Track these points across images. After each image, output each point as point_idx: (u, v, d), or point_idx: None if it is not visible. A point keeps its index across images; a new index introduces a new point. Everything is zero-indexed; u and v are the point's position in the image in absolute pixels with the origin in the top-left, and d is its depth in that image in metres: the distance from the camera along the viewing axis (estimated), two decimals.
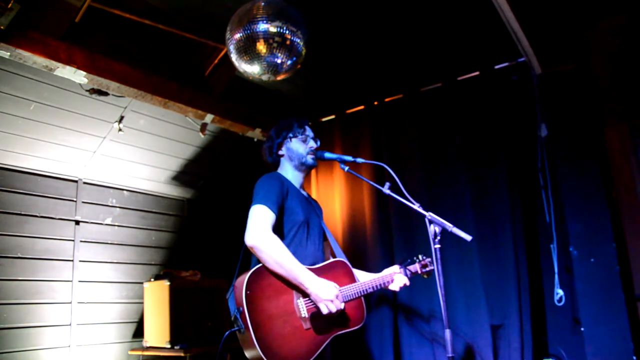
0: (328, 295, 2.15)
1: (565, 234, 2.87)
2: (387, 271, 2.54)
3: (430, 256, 2.54)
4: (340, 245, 3.74)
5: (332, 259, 2.44)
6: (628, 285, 2.69)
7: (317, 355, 2.13)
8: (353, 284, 2.34)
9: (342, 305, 2.20)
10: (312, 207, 2.54)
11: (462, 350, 3.13)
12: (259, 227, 2.14)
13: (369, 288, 2.38)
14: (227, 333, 2.09)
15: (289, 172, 2.50)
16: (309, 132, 2.53)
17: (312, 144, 2.50)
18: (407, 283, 2.53)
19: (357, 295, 2.32)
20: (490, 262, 3.14)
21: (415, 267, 2.59)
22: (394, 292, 3.44)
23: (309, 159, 2.47)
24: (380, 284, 2.44)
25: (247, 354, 2.09)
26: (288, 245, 2.23)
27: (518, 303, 2.97)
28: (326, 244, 2.62)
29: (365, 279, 2.43)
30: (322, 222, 2.58)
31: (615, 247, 2.69)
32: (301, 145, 2.48)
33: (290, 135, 2.49)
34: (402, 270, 2.54)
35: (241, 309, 2.04)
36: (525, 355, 2.92)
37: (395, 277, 2.50)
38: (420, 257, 2.61)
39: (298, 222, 2.33)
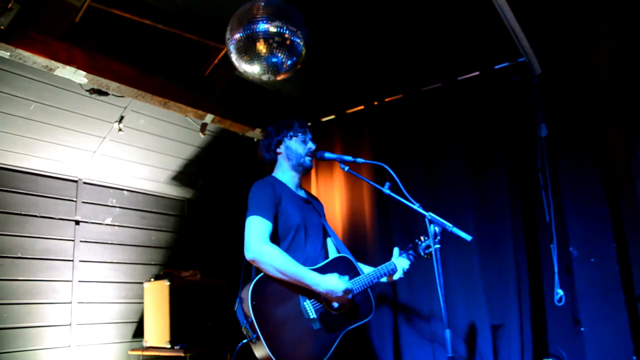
0: (338, 290, 2.18)
1: (565, 234, 2.87)
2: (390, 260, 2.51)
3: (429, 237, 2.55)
4: None
5: (333, 256, 2.44)
6: (628, 285, 2.69)
7: (331, 353, 2.16)
8: (357, 277, 2.34)
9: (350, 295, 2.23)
10: (311, 207, 2.53)
11: (462, 350, 3.13)
12: (256, 239, 2.17)
13: (374, 278, 2.37)
14: (239, 345, 2.10)
15: (285, 172, 2.50)
16: (308, 133, 2.54)
17: (311, 145, 2.50)
18: (406, 268, 2.47)
19: (362, 288, 2.32)
20: (490, 262, 3.14)
21: (418, 251, 2.53)
22: (394, 291, 3.47)
23: (307, 160, 2.48)
24: (384, 273, 2.41)
25: None
26: (286, 250, 2.24)
27: (518, 303, 2.97)
28: (328, 242, 2.61)
29: (369, 271, 2.43)
30: (324, 219, 2.57)
31: (615, 247, 2.69)
32: (300, 145, 2.48)
33: (291, 134, 2.48)
34: (403, 254, 2.52)
35: (250, 319, 2.06)
36: (525, 355, 2.91)
37: (397, 263, 2.46)
38: (422, 237, 2.55)
39: (294, 225, 2.33)
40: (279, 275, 2.15)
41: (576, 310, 2.82)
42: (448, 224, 2.09)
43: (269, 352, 2.01)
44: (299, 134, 2.49)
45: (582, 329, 2.72)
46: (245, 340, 2.09)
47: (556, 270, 2.92)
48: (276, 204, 2.31)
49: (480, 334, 3.07)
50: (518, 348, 2.93)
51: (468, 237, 2.06)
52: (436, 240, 2.08)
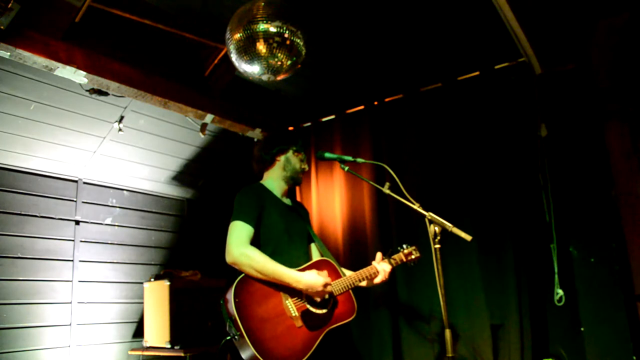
0: (317, 285, 2.25)
1: (565, 234, 2.87)
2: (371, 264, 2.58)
3: (415, 245, 2.66)
4: (340, 246, 3.77)
5: (315, 259, 2.53)
6: (628, 285, 2.69)
7: (313, 350, 2.20)
8: (339, 279, 2.43)
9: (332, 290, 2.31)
10: (296, 213, 2.62)
11: (462, 350, 3.12)
12: (235, 243, 2.25)
13: (355, 281, 2.45)
14: (223, 342, 2.15)
15: (275, 179, 2.60)
16: (306, 154, 2.70)
17: (305, 166, 2.66)
18: (387, 272, 2.52)
19: (344, 290, 2.41)
20: (490, 262, 3.13)
21: (400, 256, 2.63)
22: (394, 291, 3.47)
23: (300, 178, 2.65)
24: (365, 276, 2.49)
25: (246, 358, 2.13)
26: (270, 255, 2.29)
27: (518, 303, 2.97)
28: (311, 247, 2.69)
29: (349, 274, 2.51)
30: (309, 225, 2.65)
31: (615, 247, 2.70)
32: (298, 162, 2.62)
33: (295, 149, 2.62)
34: (385, 259, 2.58)
35: (233, 317, 2.11)
36: (525, 355, 2.91)
37: (379, 267, 2.53)
38: (404, 245, 2.67)
39: (278, 231, 2.42)
40: (259, 276, 2.22)
41: (576, 310, 2.82)
42: (448, 224, 2.09)
43: (252, 349, 2.05)
44: (301, 153, 2.64)
45: (582, 329, 2.72)
46: (228, 337, 2.14)
47: (556, 270, 2.92)
48: (259, 210, 2.39)
49: (480, 334, 3.07)
50: (518, 348, 2.92)
51: (468, 237, 2.06)
52: (436, 240, 2.09)
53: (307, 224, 2.67)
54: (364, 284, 2.51)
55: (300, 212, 2.68)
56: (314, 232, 2.66)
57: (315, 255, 2.67)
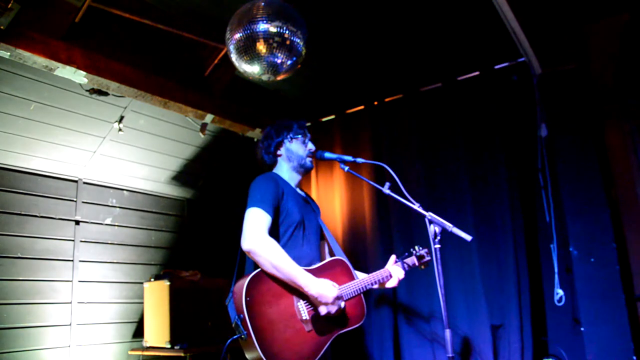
0: (327, 297, 2.15)
1: (565, 234, 2.87)
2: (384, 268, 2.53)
3: (427, 247, 2.57)
4: (340, 246, 3.76)
5: (330, 258, 2.43)
6: (628, 285, 2.69)
7: (320, 356, 2.13)
8: (352, 282, 2.33)
9: (342, 304, 2.20)
10: (310, 207, 2.52)
11: (462, 350, 3.13)
12: (255, 231, 2.13)
13: (368, 284, 2.37)
14: (229, 341, 2.08)
15: (285, 172, 2.47)
16: (307, 134, 2.52)
17: (310, 146, 2.49)
18: (401, 277, 2.48)
19: (356, 293, 2.31)
20: (490, 262, 3.14)
21: (412, 260, 2.57)
22: (394, 291, 3.47)
23: (308, 161, 2.47)
24: (378, 280, 2.42)
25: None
26: (284, 246, 2.21)
27: (518, 303, 2.97)
28: (324, 243, 2.60)
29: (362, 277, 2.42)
30: (320, 220, 2.56)
31: (615, 247, 2.69)
32: (301, 147, 2.47)
33: (291, 135, 2.46)
34: (398, 263, 2.53)
35: (242, 315, 2.03)
36: (525, 355, 2.92)
37: (392, 271, 2.47)
38: (416, 247, 2.59)
39: (294, 222, 2.31)
40: (273, 271, 2.11)
41: (576, 310, 2.82)
42: (448, 224, 2.08)
43: (259, 351, 1.98)
44: (299, 136, 2.47)
45: (582, 329, 2.72)
46: (235, 337, 2.05)
47: (556, 270, 2.92)
48: (278, 199, 2.27)
49: (480, 334, 3.07)
50: (518, 348, 2.93)
51: (468, 237, 2.05)
52: (436, 240, 2.08)
53: (320, 219, 2.55)
54: (376, 287, 2.42)
55: (313, 207, 2.56)
56: (327, 229, 2.55)
57: (327, 253, 2.57)
